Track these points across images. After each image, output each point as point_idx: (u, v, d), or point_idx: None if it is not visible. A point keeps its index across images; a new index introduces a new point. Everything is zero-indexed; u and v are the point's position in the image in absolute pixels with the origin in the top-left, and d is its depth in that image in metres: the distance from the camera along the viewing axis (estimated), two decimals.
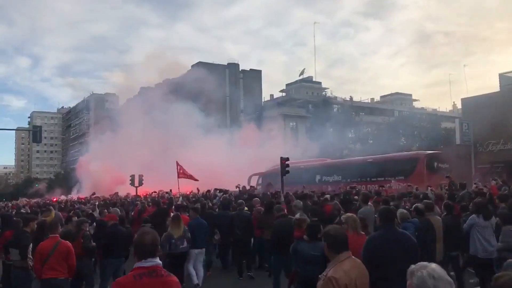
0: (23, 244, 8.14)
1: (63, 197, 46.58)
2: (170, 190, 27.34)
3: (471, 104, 40.51)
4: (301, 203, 11.69)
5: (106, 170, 46.50)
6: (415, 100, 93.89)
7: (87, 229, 9.57)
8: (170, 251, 9.47)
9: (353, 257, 4.44)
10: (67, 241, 7.46)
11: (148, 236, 3.88)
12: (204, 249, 10.78)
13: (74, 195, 47.69)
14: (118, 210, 12.00)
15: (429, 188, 17.47)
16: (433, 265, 2.90)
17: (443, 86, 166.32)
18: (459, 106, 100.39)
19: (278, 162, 30.42)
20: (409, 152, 28.63)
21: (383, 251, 5.46)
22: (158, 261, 3.82)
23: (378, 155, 31.55)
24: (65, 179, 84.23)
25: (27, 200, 44.70)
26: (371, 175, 26.59)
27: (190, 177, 27.10)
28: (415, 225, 8.44)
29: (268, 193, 20.98)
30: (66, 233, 8.18)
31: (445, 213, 9.35)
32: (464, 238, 8.69)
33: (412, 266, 2.95)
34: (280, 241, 8.90)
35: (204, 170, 36.59)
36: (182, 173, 26.82)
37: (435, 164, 25.33)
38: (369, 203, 10.84)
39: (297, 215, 9.19)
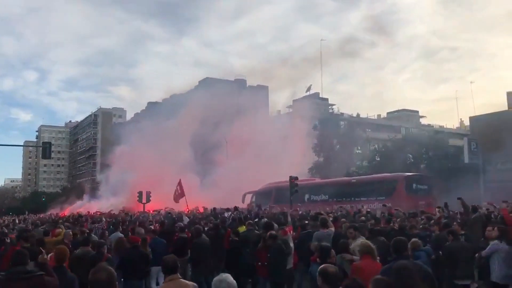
0: None
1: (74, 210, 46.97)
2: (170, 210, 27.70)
3: (479, 122, 40.54)
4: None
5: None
6: (422, 116, 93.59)
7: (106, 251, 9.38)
8: None
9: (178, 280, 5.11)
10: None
11: (103, 273, 3.91)
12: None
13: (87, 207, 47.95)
14: (142, 230, 11.88)
15: (436, 208, 17.30)
16: None
17: (449, 102, 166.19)
18: (466, 122, 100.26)
19: (276, 179, 31.58)
20: (390, 174, 29.67)
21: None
22: None
23: (362, 176, 34.12)
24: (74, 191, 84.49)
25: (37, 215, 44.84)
26: (355, 195, 27.94)
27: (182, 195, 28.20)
28: (428, 253, 8.38)
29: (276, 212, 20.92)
30: (89, 257, 7.75)
31: (452, 239, 8.98)
32: (481, 265, 8.53)
33: None
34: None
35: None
36: (180, 194, 27.70)
37: (414, 185, 26.60)
38: (330, 228, 10.20)
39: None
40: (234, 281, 4.25)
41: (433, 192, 27.02)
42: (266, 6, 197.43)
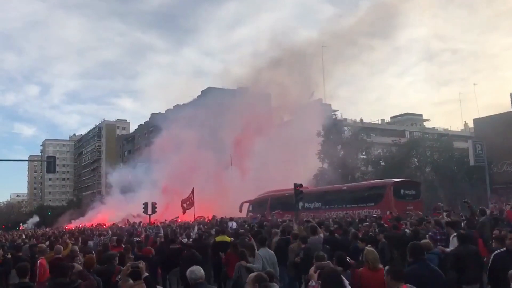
0: None
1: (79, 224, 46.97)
2: (177, 217, 28.01)
3: (484, 124, 40.31)
4: None
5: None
6: (426, 120, 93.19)
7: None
8: None
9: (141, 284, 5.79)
10: None
11: None
12: None
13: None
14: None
15: (444, 213, 17.16)
16: None
17: (453, 104, 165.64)
18: (470, 125, 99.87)
19: (282, 187, 31.49)
20: (378, 180, 30.45)
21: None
22: None
23: (352, 183, 35.06)
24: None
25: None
26: (346, 202, 28.50)
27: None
28: (440, 256, 8.26)
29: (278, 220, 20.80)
30: (103, 270, 8.00)
31: (458, 244, 8.52)
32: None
33: None
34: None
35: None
36: (190, 203, 28.24)
37: (402, 191, 26.90)
38: (320, 234, 10.87)
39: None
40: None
41: (421, 197, 27.53)
42: (265, 13, 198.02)
